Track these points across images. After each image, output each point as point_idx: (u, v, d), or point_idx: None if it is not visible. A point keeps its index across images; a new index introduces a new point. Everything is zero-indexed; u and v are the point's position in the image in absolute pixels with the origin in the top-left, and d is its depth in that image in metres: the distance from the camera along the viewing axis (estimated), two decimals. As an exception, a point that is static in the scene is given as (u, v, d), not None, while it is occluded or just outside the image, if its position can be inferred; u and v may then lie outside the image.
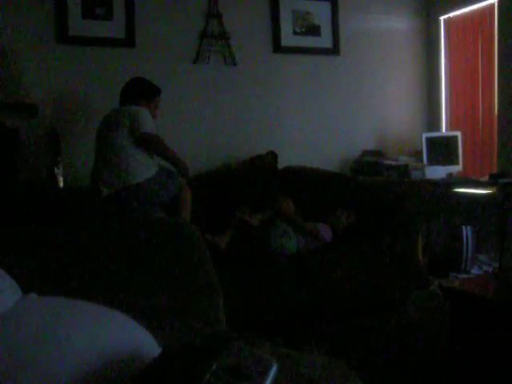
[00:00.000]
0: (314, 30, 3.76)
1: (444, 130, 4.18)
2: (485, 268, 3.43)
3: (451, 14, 4.09)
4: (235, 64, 3.52)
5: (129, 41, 3.25)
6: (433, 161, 3.77)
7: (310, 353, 0.89)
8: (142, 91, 2.84)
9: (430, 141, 3.83)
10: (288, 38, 3.67)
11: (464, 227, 3.38)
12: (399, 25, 4.13)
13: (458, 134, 3.91)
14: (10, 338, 0.74)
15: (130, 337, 0.87)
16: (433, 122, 4.23)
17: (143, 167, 2.65)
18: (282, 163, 3.49)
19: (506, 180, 3.30)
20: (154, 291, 1.27)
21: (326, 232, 2.83)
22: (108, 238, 1.42)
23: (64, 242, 1.40)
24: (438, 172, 3.69)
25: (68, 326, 0.80)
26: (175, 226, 1.52)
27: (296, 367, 0.80)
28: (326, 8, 3.79)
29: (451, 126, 4.17)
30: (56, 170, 3.05)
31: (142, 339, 0.89)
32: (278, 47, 3.66)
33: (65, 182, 3.04)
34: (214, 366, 0.58)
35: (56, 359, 0.70)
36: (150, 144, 2.69)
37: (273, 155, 3.45)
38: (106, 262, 1.32)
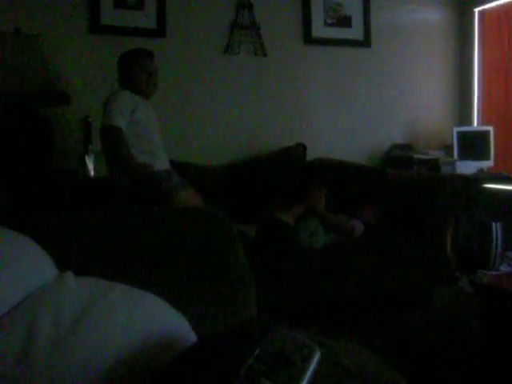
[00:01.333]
0: (345, 22, 3.73)
1: (476, 124, 4.10)
2: (514, 265, 3.37)
3: (486, 6, 4.00)
4: (265, 55, 3.51)
5: (160, 31, 3.27)
6: (464, 155, 3.71)
7: (344, 342, 0.89)
8: (118, 69, 2.77)
9: (461, 135, 3.77)
10: (319, 30, 3.64)
11: (494, 223, 3.32)
12: (432, 16, 4.06)
13: (490, 128, 3.83)
14: (48, 316, 0.75)
15: (166, 320, 0.88)
16: (464, 116, 4.16)
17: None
18: (310, 155, 3.48)
19: (538, 176, 3.23)
20: (185, 279, 1.28)
21: (359, 229, 2.81)
22: (140, 225, 1.44)
23: (95, 228, 1.42)
24: (468, 167, 3.63)
25: (105, 308, 0.81)
26: (207, 215, 1.53)
27: (332, 355, 0.80)
28: (358, -1, 3.75)
29: (483, 120, 4.09)
30: (87, 158, 3.10)
31: (177, 323, 0.91)
32: (308, 39, 3.64)
33: (96, 170, 3.08)
34: (257, 351, 0.58)
35: (94, 340, 0.71)
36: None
37: (301, 147, 3.44)
38: (139, 249, 1.34)
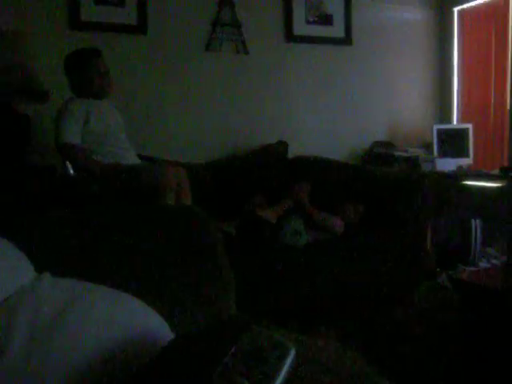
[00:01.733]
0: (326, 20, 3.74)
1: (455, 122, 4.16)
2: (493, 261, 3.42)
3: (465, 6, 4.05)
4: (247, 52, 3.51)
5: (141, 27, 3.24)
6: (443, 153, 3.76)
7: (322, 339, 0.89)
8: (67, 73, 2.68)
9: (440, 133, 3.81)
10: (300, 27, 3.65)
11: (473, 220, 3.36)
12: (412, 15, 4.10)
13: (469, 126, 3.89)
14: (23, 317, 0.74)
15: (144, 320, 0.88)
16: (444, 113, 4.22)
17: None
18: (292, 153, 3.49)
19: (516, 173, 3.28)
20: (164, 279, 1.28)
21: (338, 226, 2.82)
22: (120, 224, 1.43)
23: (75, 228, 1.41)
24: (448, 164, 3.68)
25: (82, 309, 0.81)
26: (188, 214, 1.53)
27: (309, 352, 0.81)
28: (339, -3, 3.77)
29: (462, 118, 4.15)
30: (66, 155, 3.07)
31: (155, 323, 0.90)
32: (290, 36, 3.64)
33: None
34: (233, 349, 0.59)
35: (69, 342, 0.71)
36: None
37: (283, 144, 3.45)
38: (118, 249, 1.33)
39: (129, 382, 0.67)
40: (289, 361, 0.57)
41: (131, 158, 2.74)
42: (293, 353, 0.58)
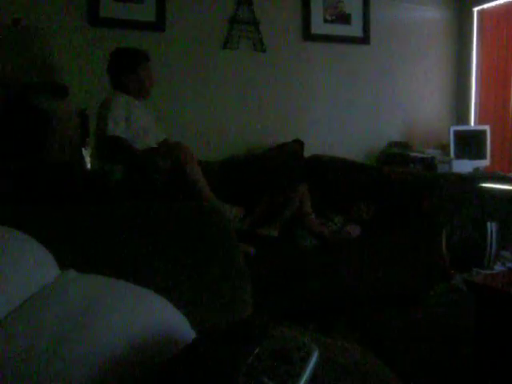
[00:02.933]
0: (344, 19, 3.73)
1: (472, 123, 4.12)
2: (508, 264, 3.40)
3: (485, 6, 4.01)
4: (264, 50, 3.51)
5: (159, 24, 3.26)
6: (460, 154, 3.73)
7: (341, 341, 0.90)
8: (118, 70, 2.72)
9: (457, 134, 3.78)
10: (318, 26, 3.64)
11: (489, 223, 3.34)
12: (431, 15, 4.06)
13: (487, 128, 3.85)
14: (50, 314, 0.76)
15: (167, 319, 0.89)
16: (461, 115, 4.18)
17: None
18: (308, 151, 3.49)
19: (534, 176, 3.25)
20: (183, 277, 1.29)
21: (354, 233, 2.81)
22: (138, 221, 1.44)
23: (96, 224, 1.42)
24: (464, 166, 3.65)
25: (106, 305, 0.82)
26: (205, 213, 1.54)
27: (329, 354, 0.81)
28: (358, -4, 3.75)
29: (480, 119, 4.11)
30: (84, 150, 3.10)
31: (178, 322, 0.91)
32: (307, 35, 3.64)
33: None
34: (257, 350, 0.59)
35: (93, 339, 0.71)
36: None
37: (299, 143, 3.45)
38: (138, 245, 1.34)
39: (154, 378, 0.68)
40: (313, 361, 0.58)
41: None
42: (316, 353, 0.59)
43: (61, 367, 0.65)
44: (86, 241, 1.33)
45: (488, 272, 3.18)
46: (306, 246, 2.64)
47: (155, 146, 2.80)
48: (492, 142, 3.82)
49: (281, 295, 2.36)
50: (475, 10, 4.07)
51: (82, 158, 3.08)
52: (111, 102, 2.61)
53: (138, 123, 2.67)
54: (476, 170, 3.76)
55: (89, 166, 3.09)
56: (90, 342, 0.71)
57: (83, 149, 3.09)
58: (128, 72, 2.70)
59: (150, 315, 0.85)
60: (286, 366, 0.57)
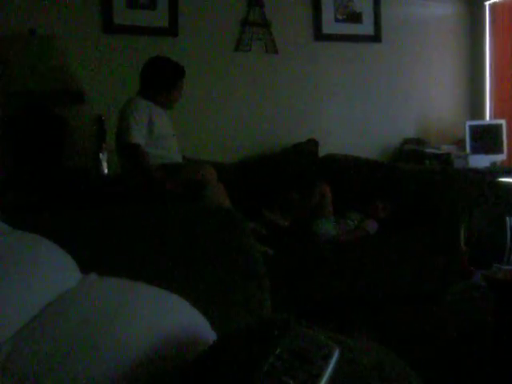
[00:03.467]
0: (355, 17, 3.72)
1: (488, 118, 4.08)
2: (528, 260, 3.36)
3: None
4: (276, 52, 3.52)
5: (172, 30, 3.30)
6: (476, 149, 3.70)
7: (361, 340, 0.91)
8: (154, 80, 2.72)
9: (473, 129, 3.75)
10: (329, 26, 3.64)
11: (508, 217, 3.30)
12: (442, 10, 4.03)
13: (503, 122, 3.81)
14: (74, 318, 0.77)
15: (189, 320, 0.90)
16: (476, 109, 4.14)
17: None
18: (322, 151, 3.49)
19: (552, 170, 3.21)
20: (202, 278, 1.31)
21: (372, 229, 2.81)
22: (157, 224, 1.46)
23: (115, 227, 1.44)
24: (481, 161, 3.62)
25: (129, 308, 0.83)
26: (222, 214, 1.55)
27: (350, 353, 0.82)
28: (368, -6, 3.74)
29: (495, 114, 4.06)
30: (101, 155, 3.14)
31: (199, 323, 0.92)
32: (319, 35, 3.64)
33: (109, 167, 3.12)
34: (278, 350, 0.60)
35: (117, 341, 0.72)
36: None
37: (313, 143, 3.45)
38: (157, 248, 1.36)
39: (177, 379, 0.69)
40: (334, 361, 0.59)
41: (179, 161, 2.84)
42: (337, 353, 0.60)
43: (84, 370, 0.66)
44: (106, 244, 1.35)
45: (508, 268, 3.15)
46: (322, 237, 2.65)
47: (176, 153, 2.83)
48: (508, 136, 3.78)
49: (299, 294, 2.37)
50: (487, 3, 4.03)
51: (99, 163, 3.13)
52: (131, 107, 2.62)
53: (160, 129, 2.69)
54: (493, 164, 3.72)
55: (106, 170, 3.14)
56: (112, 346, 0.72)
57: (100, 154, 3.14)
58: (164, 81, 2.72)
59: (172, 317, 0.86)
60: (306, 366, 0.58)
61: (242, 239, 1.39)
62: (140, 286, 0.94)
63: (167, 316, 0.86)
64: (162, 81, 2.72)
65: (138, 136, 2.57)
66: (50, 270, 0.93)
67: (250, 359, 0.64)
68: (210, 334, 0.90)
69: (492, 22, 4.04)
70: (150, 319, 0.82)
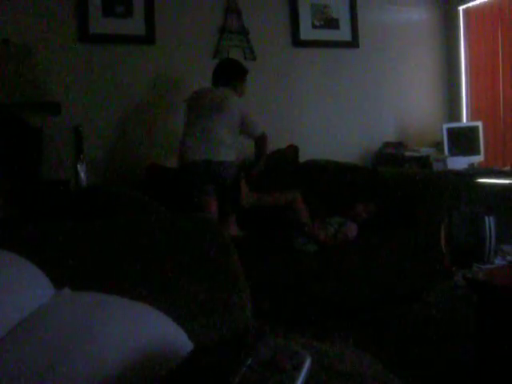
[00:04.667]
0: (332, 23, 3.75)
1: (465, 120, 4.14)
2: (508, 258, 3.40)
3: (470, 4, 4.04)
4: (254, 59, 3.53)
5: (149, 38, 3.28)
6: (454, 151, 3.74)
7: (338, 345, 0.90)
8: (235, 73, 3.06)
9: (450, 131, 3.80)
10: (307, 32, 3.67)
11: (486, 217, 3.35)
12: (418, 16, 4.09)
13: (479, 124, 3.87)
14: (47, 334, 0.76)
15: (163, 331, 0.89)
16: (453, 112, 4.20)
17: (230, 151, 2.85)
18: (303, 157, 3.50)
19: (528, 170, 3.26)
20: (180, 288, 1.29)
21: (351, 232, 2.81)
22: (132, 235, 1.45)
23: (90, 239, 1.42)
24: (459, 163, 3.66)
25: (103, 322, 0.82)
26: (199, 222, 1.54)
27: (325, 360, 0.81)
28: (345, 1, 3.78)
29: (472, 116, 4.13)
30: (79, 167, 3.10)
31: (173, 333, 0.91)
32: (297, 41, 3.66)
33: (88, 178, 3.08)
34: (250, 360, 0.60)
35: (91, 355, 0.71)
36: (263, 144, 3.01)
37: (293, 148, 3.46)
38: (133, 259, 1.35)
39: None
40: (305, 369, 0.58)
41: None
42: (309, 361, 0.60)
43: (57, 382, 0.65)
44: (82, 258, 1.33)
45: (488, 267, 3.19)
46: (306, 251, 2.64)
47: None
48: (485, 137, 3.83)
49: (279, 302, 2.36)
50: (460, 8, 4.10)
51: (77, 174, 3.09)
52: (245, 105, 3.00)
53: None
54: (471, 166, 3.77)
55: (84, 182, 3.10)
56: (86, 359, 0.71)
57: (78, 165, 3.10)
58: (240, 78, 3.06)
59: (147, 329, 0.85)
60: (278, 375, 0.57)
61: (221, 248, 1.38)
62: (113, 300, 0.92)
63: (141, 329, 0.84)
64: (238, 73, 3.08)
65: None
66: (22, 288, 0.92)
67: (222, 371, 0.63)
68: (186, 346, 0.89)
69: (466, 26, 4.11)
70: (122, 333, 0.80)
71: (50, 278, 1.04)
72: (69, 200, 2.71)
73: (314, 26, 3.70)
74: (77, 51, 3.14)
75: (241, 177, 2.92)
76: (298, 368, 0.58)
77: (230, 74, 3.03)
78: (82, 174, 3.08)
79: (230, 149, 2.84)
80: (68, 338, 0.75)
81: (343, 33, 3.79)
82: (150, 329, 0.86)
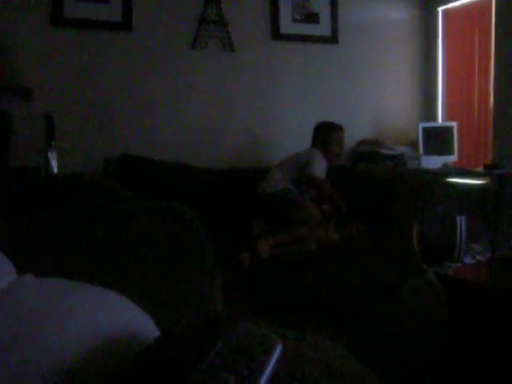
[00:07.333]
0: (312, 18, 3.74)
1: (440, 120, 4.18)
2: (478, 257, 3.45)
3: (449, 5, 4.08)
4: (233, 50, 3.49)
5: (125, 24, 3.21)
6: (429, 151, 3.78)
7: (311, 335, 0.89)
8: (315, 135, 3.35)
9: (426, 131, 3.83)
10: (287, 26, 3.65)
11: (458, 217, 3.39)
12: (398, 15, 4.12)
13: (454, 124, 3.91)
14: (6, 318, 0.73)
15: (129, 318, 0.86)
16: (429, 112, 4.24)
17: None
18: (276, 151, 3.49)
19: (500, 170, 3.31)
20: (150, 275, 1.27)
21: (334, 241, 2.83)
22: (100, 221, 1.41)
23: (59, 225, 1.39)
24: (433, 162, 3.70)
25: (67, 307, 0.79)
26: (171, 210, 1.51)
27: (296, 348, 0.80)
28: (326, -4, 3.77)
29: (447, 116, 4.17)
30: (50, 154, 3.03)
31: (141, 321, 0.89)
32: (276, 34, 3.64)
33: (59, 166, 3.01)
34: (219, 346, 0.57)
35: (54, 341, 0.69)
36: (314, 186, 3.13)
37: None
38: (102, 246, 1.32)
39: (113, 380, 0.65)
40: (275, 355, 0.56)
41: None
42: (279, 347, 0.57)
43: (12, 370, 0.62)
44: (49, 244, 1.29)
45: (458, 265, 3.23)
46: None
47: None
48: (459, 138, 3.88)
49: (251, 295, 2.35)
50: (440, 9, 4.14)
51: (48, 161, 3.01)
52: (319, 156, 3.23)
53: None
54: (444, 165, 3.81)
55: (55, 170, 3.02)
56: (48, 345, 0.68)
57: (49, 152, 3.02)
58: (320, 140, 3.33)
59: (113, 315, 0.83)
60: (247, 361, 0.55)
61: (192, 233, 1.35)
62: (77, 285, 0.89)
63: (106, 314, 0.82)
64: (318, 134, 3.38)
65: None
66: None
67: (189, 356, 0.60)
68: (153, 333, 0.86)
69: (444, 27, 4.15)
70: (87, 319, 0.77)
71: (14, 265, 1.00)
72: (38, 187, 2.64)
73: (294, 20, 3.69)
74: (50, 35, 3.06)
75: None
76: (268, 353, 0.56)
77: (313, 137, 3.39)
78: (53, 162, 3.01)
79: None
80: (25, 322, 0.72)
81: (323, 28, 3.78)
82: (117, 315, 0.84)
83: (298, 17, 3.71)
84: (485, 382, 1.63)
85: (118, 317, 0.84)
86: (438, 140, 3.86)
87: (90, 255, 1.29)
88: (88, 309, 0.82)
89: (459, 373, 1.74)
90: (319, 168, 3.14)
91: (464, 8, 3.99)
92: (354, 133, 3.90)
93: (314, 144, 3.34)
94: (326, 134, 3.31)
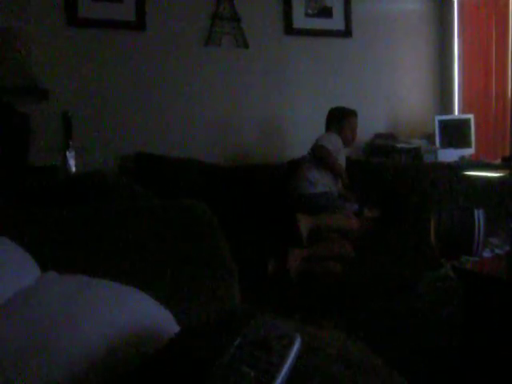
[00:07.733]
0: (326, 12, 3.72)
1: (457, 112, 4.14)
2: (496, 251, 3.41)
3: (465, -6, 4.03)
4: (247, 46, 3.50)
5: (139, 23, 3.23)
6: (445, 144, 3.75)
7: (327, 329, 0.89)
8: (329, 120, 3.33)
9: (442, 123, 3.80)
10: (300, 20, 3.64)
11: (476, 210, 3.35)
12: (411, 6, 4.07)
13: (471, 116, 3.87)
14: (30, 315, 0.75)
15: (150, 314, 0.88)
16: (445, 104, 4.20)
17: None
18: (292, 147, 3.49)
19: (518, 163, 3.28)
20: (169, 272, 1.28)
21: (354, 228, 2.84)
22: (121, 221, 1.43)
23: (78, 225, 1.41)
24: (450, 155, 3.67)
25: (87, 304, 0.81)
26: (188, 208, 1.53)
27: (314, 342, 0.80)
28: (339, -11, 3.75)
29: (464, 108, 4.13)
30: (68, 153, 3.07)
31: (161, 316, 0.91)
32: (289, 29, 3.63)
33: (77, 165, 3.05)
34: (238, 340, 0.58)
35: (74, 337, 0.71)
36: (320, 156, 3.10)
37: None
38: (122, 244, 1.33)
39: (133, 374, 0.67)
40: (295, 349, 0.57)
41: None
42: (298, 341, 0.58)
43: (39, 366, 0.64)
44: (70, 242, 1.31)
45: (476, 259, 3.20)
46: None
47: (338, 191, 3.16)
48: (476, 130, 3.84)
49: (266, 287, 2.36)
50: (455, -1, 4.09)
51: (66, 161, 3.05)
52: (331, 134, 3.23)
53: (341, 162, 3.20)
54: (461, 158, 3.78)
55: (74, 169, 3.06)
56: (69, 341, 0.70)
57: (67, 152, 3.06)
58: (334, 124, 3.30)
59: (134, 311, 0.85)
60: (267, 355, 0.56)
61: (208, 231, 1.36)
62: (99, 282, 0.91)
63: (127, 312, 0.83)
64: (332, 117, 3.34)
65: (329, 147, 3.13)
66: (7, 268, 0.91)
67: (209, 350, 0.62)
68: (173, 328, 0.88)
69: (460, 17, 4.09)
70: (109, 314, 0.79)
71: (37, 262, 1.03)
72: (56, 186, 2.68)
73: (307, 15, 3.67)
74: (65, 35, 3.09)
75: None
76: (287, 347, 0.57)
77: (327, 121, 3.37)
78: (71, 161, 3.05)
79: None
80: (53, 319, 0.74)
81: (336, 22, 3.76)
82: (137, 311, 0.85)
83: (310, 11, 3.69)
84: (501, 381, 1.62)
85: (140, 312, 0.86)
86: (454, 133, 3.82)
87: (108, 253, 1.31)
88: (111, 304, 0.84)
89: (475, 369, 1.73)
90: (328, 141, 3.12)
91: (480, -3, 3.94)
92: (369, 126, 3.88)
93: (327, 130, 3.32)
94: (340, 119, 3.28)
